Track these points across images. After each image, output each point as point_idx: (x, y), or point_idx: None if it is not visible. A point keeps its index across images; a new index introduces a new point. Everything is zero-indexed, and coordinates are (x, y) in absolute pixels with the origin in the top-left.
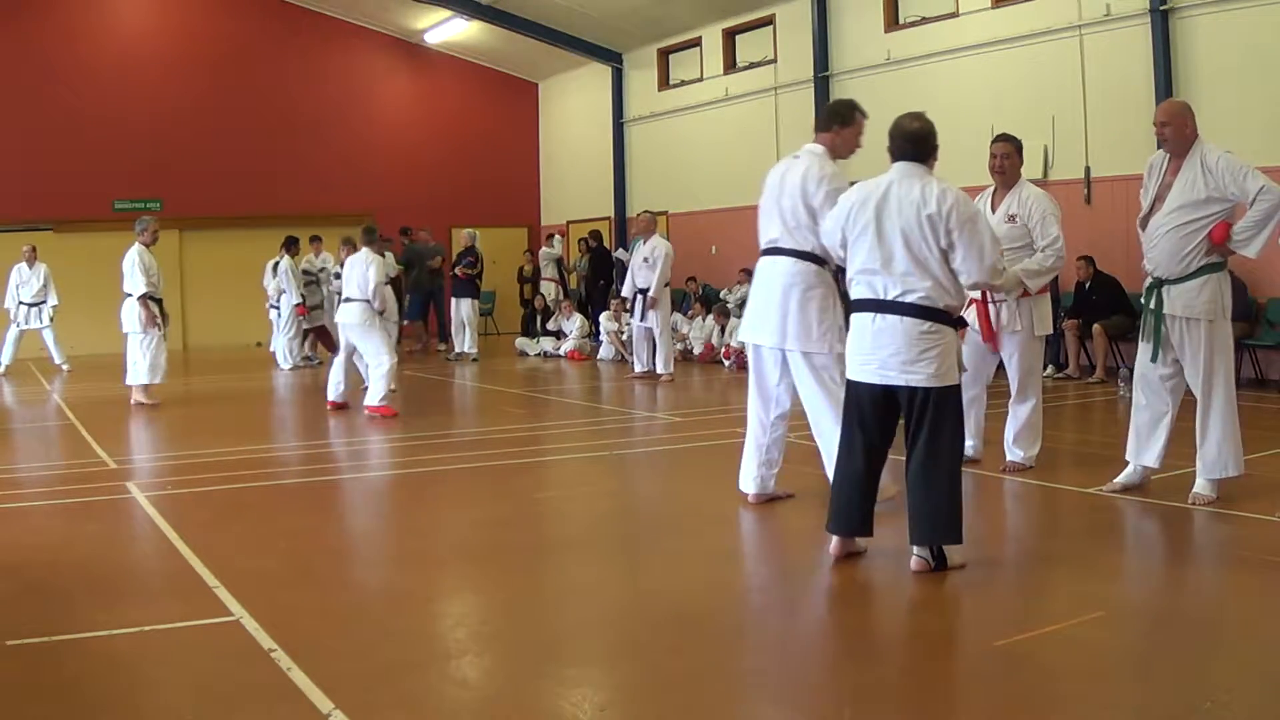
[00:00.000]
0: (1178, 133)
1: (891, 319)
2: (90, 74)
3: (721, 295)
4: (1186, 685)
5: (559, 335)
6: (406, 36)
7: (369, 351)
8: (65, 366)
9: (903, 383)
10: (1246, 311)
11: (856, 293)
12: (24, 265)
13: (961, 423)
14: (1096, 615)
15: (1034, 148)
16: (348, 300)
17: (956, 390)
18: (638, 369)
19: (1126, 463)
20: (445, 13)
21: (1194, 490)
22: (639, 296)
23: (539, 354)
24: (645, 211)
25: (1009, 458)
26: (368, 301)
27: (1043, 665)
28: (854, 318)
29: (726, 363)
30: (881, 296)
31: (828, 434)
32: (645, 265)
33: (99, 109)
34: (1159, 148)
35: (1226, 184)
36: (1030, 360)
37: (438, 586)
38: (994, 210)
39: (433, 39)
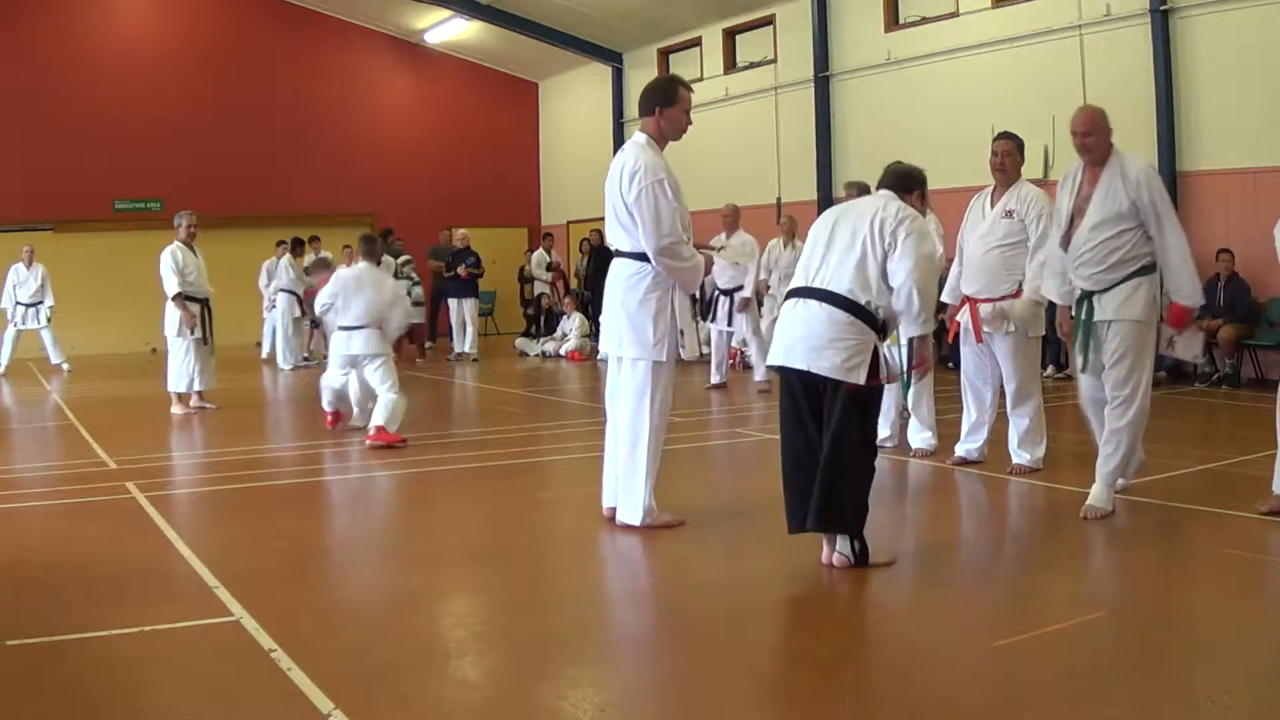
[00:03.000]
0: (1100, 141)
1: (811, 304)
2: (90, 74)
3: None
4: (1186, 685)
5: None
6: (406, 36)
7: (376, 379)
8: (66, 367)
9: (805, 366)
10: (1247, 311)
11: (791, 285)
12: (21, 265)
13: (872, 427)
14: (1096, 615)
15: (1034, 148)
16: (359, 328)
17: (869, 393)
18: (715, 380)
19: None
20: (445, 13)
21: (1088, 503)
22: (724, 298)
23: (539, 354)
24: (731, 204)
25: (1015, 460)
26: (380, 327)
27: (1043, 665)
28: (783, 306)
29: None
30: (808, 284)
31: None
32: (735, 265)
33: (99, 109)
34: (1081, 156)
35: (1144, 197)
36: (1027, 361)
37: (438, 586)
38: (992, 206)
39: (433, 39)
